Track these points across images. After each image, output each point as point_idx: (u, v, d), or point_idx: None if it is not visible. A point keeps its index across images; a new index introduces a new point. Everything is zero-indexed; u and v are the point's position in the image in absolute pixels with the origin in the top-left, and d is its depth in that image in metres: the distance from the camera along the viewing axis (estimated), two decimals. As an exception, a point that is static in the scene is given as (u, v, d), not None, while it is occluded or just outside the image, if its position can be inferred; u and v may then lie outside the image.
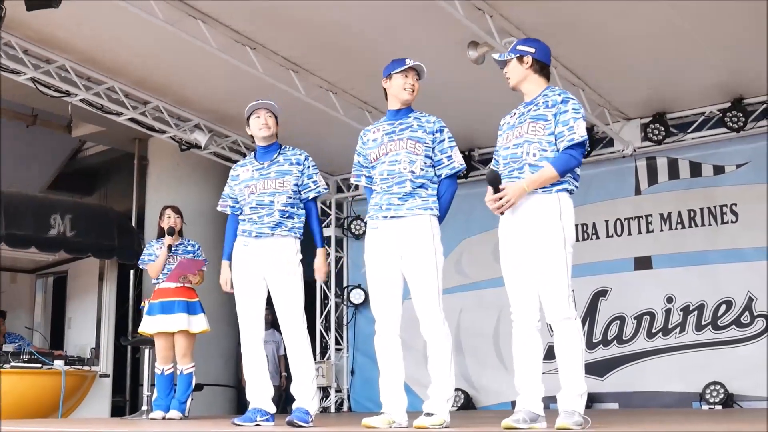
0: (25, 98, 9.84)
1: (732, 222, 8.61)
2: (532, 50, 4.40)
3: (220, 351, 11.04)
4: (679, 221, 8.90)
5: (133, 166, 12.03)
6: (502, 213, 4.24)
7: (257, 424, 5.04)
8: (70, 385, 8.37)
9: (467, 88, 8.05)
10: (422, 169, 4.64)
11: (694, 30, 7.18)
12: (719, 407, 8.06)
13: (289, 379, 5.80)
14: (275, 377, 9.90)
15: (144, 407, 7.83)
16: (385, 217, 4.64)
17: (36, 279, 10.96)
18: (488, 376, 9.52)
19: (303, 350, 5.11)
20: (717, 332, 8.50)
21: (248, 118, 5.33)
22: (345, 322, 10.91)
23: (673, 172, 9.04)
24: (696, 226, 8.81)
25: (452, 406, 4.56)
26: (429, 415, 4.35)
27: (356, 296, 10.70)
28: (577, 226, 4.31)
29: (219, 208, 5.47)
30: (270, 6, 6.97)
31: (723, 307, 8.51)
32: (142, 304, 7.37)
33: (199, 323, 7.10)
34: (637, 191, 9.23)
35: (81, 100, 8.53)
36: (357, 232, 10.89)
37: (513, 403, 4.36)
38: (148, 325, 7.05)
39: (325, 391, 10.61)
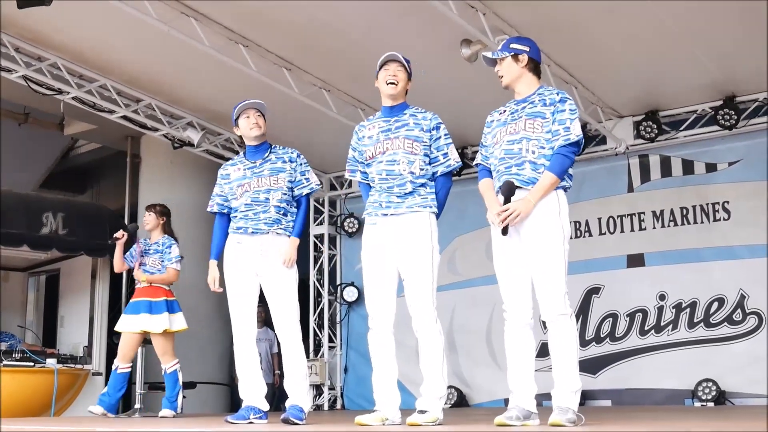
0: (17, 96, 9.80)
1: (724, 219, 8.63)
2: (527, 48, 4.41)
3: (214, 349, 11.04)
4: (671, 219, 8.92)
5: (126, 164, 11.99)
6: (505, 228, 4.20)
7: (250, 422, 5.04)
8: (63, 384, 8.35)
9: (460, 86, 8.05)
10: (421, 169, 4.64)
11: (686, 28, 7.19)
12: (711, 404, 8.09)
13: (282, 376, 5.80)
14: (269, 375, 9.90)
15: (137, 405, 7.82)
16: (385, 215, 4.64)
17: (28, 277, 10.93)
18: (481, 373, 9.53)
19: (296, 347, 5.11)
20: (709, 329, 8.52)
21: (237, 118, 5.32)
22: (338, 319, 10.91)
23: (666, 169, 9.06)
24: (688, 223, 8.83)
25: (445, 403, 4.56)
26: (422, 412, 4.35)
27: (349, 294, 10.69)
28: (570, 223, 4.32)
29: (208, 209, 5.46)
30: (263, 5, 6.97)
31: (715, 305, 8.53)
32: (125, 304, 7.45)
33: (179, 322, 7.16)
34: (630, 189, 9.24)
35: (73, 98, 8.51)
36: (350, 230, 10.88)
37: (506, 401, 4.36)
38: (119, 324, 7.14)
39: (318, 389, 10.61)
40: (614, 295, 9.08)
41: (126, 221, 11.54)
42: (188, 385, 9.22)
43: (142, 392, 7.94)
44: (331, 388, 10.76)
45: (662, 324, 8.78)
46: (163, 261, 7.24)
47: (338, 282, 11.00)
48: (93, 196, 13.88)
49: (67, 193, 13.01)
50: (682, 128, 8.93)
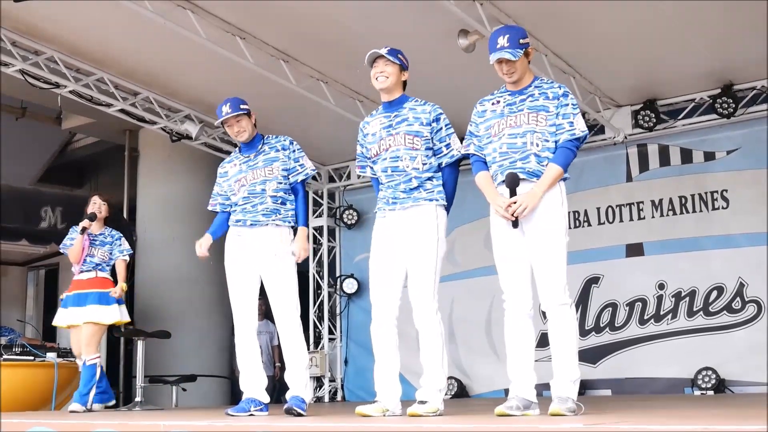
0: (14, 91, 9.78)
1: (723, 208, 8.63)
2: (528, 40, 4.41)
3: (214, 342, 11.05)
4: (670, 208, 8.92)
5: (124, 158, 11.99)
6: (515, 220, 4.20)
7: (251, 414, 5.05)
8: (63, 378, 8.35)
9: (457, 76, 8.03)
10: (425, 164, 4.64)
11: (683, 16, 7.17)
12: (711, 393, 8.10)
13: (283, 369, 5.80)
14: (269, 367, 9.91)
15: (138, 399, 7.83)
16: (393, 209, 4.65)
17: (27, 272, 10.94)
18: (481, 364, 9.54)
19: (296, 339, 5.12)
20: (709, 318, 8.53)
21: (222, 123, 5.31)
22: (338, 311, 10.91)
23: (664, 158, 9.06)
24: (687, 212, 8.83)
25: (445, 394, 4.57)
26: (422, 403, 4.36)
27: (349, 286, 10.68)
28: (569, 213, 4.34)
29: (209, 207, 5.47)
30: (259, -5, 6.95)
31: (714, 293, 8.54)
32: (61, 296, 7.20)
33: (111, 314, 6.96)
34: (629, 178, 9.24)
35: (70, 92, 8.49)
36: (349, 222, 10.87)
37: (506, 391, 4.37)
38: (60, 318, 6.97)
39: (318, 381, 10.62)
40: (613, 284, 9.08)
41: (125, 215, 11.56)
42: (188, 378, 9.25)
43: (142, 385, 7.95)
44: (332, 380, 10.77)
45: (662, 313, 8.79)
46: (112, 252, 7.08)
47: (338, 274, 11.00)
48: (91, 190, 13.82)
49: (65, 187, 13.01)
50: (680, 117, 8.92)
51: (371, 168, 4.87)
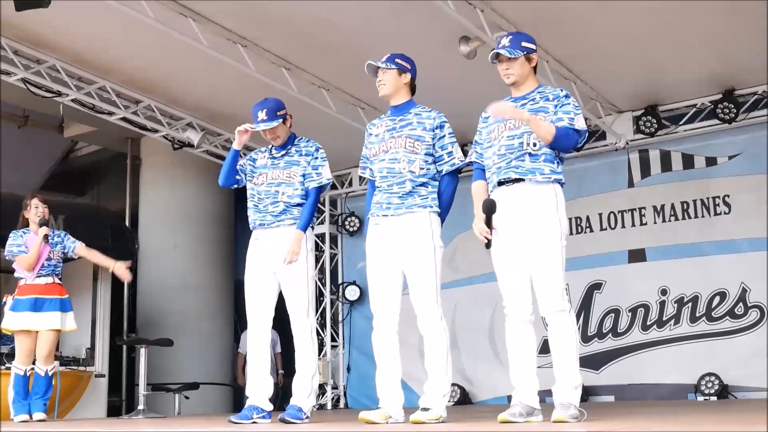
0: (17, 99, 9.81)
1: (725, 213, 8.63)
2: (534, 47, 4.41)
3: (216, 349, 11.05)
4: (672, 213, 8.92)
5: (126, 166, 12.01)
6: (488, 242, 4.26)
7: (254, 422, 5.04)
8: (66, 386, 8.35)
9: (458, 83, 8.04)
10: (422, 168, 4.63)
11: (684, 22, 7.19)
12: (714, 398, 8.09)
13: (285, 376, 5.80)
14: (272, 375, 9.90)
15: (140, 407, 7.82)
16: (386, 215, 4.64)
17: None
18: (484, 370, 9.53)
19: (304, 344, 5.11)
20: (711, 323, 8.52)
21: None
22: (340, 319, 10.91)
23: (666, 164, 9.06)
24: (689, 218, 8.83)
25: (448, 401, 4.56)
26: (425, 409, 4.35)
27: (351, 293, 10.68)
28: (570, 219, 4.34)
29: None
30: (261, 4, 6.96)
31: (717, 299, 8.53)
32: (4, 299, 6.96)
33: (70, 321, 6.85)
34: (630, 184, 9.24)
35: (72, 100, 8.51)
36: (351, 229, 10.88)
37: (509, 398, 4.36)
38: (12, 322, 6.70)
39: (321, 388, 10.60)
40: (616, 290, 9.08)
41: (127, 223, 11.57)
42: (191, 386, 9.25)
43: (145, 393, 7.94)
44: (334, 387, 10.76)
45: (664, 319, 8.78)
46: (65, 248, 6.87)
47: (340, 281, 11.00)
48: (93, 198, 13.90)
49: (67, 195, 13.04)
50: (681, 122, 8.92)
51: (371, 170, 4.87)
